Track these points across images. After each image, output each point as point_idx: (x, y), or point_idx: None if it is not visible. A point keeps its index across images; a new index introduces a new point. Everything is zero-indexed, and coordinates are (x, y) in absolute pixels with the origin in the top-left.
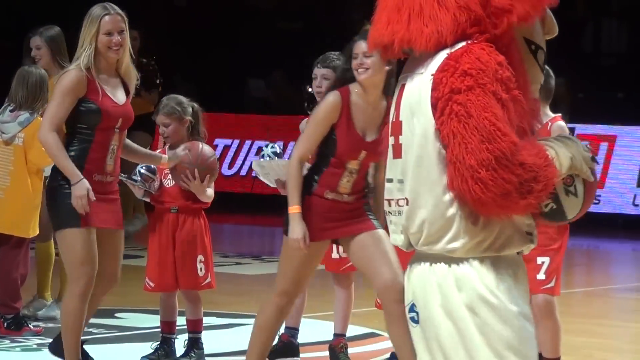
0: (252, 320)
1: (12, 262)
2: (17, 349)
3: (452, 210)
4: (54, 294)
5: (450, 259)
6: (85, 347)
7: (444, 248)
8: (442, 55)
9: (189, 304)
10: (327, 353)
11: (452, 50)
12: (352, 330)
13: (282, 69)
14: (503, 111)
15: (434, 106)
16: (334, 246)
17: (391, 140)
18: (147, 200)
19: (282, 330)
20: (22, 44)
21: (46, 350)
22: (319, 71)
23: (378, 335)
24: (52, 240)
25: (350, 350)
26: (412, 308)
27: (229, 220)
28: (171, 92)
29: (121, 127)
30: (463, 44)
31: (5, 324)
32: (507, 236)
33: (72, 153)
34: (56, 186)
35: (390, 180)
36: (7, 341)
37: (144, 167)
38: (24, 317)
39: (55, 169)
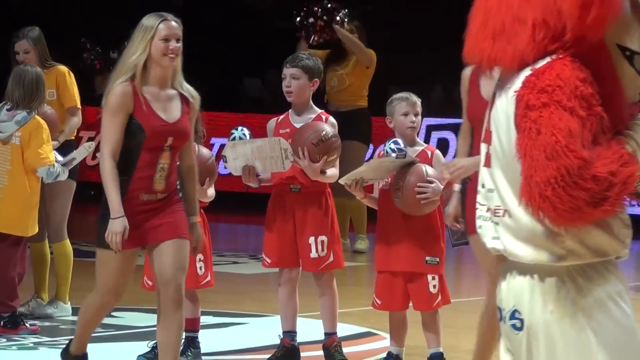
0: (248, 320)
1: (9, 261)
2: (14, 347)
3: (548, 224)
4: (51, 293)
5: (554, 266)
6: None
7: (543, 258)
8: (526, 72)
9: (188, 303)
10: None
11: (536, 66)
12: (348, 330)
13: (278, 68)
14: (581, 128)
15: (514, 122)
16: (312, 245)
17: (484, 147)
18: None
19: (281, 335)
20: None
21: (42, 349)
22: (288, 71)
23: (374, 334)
24: (46, 241)
25: (346, 350)
26: (514, 315)
27: (225, 219)
28: None
29: (173, 146)
30: (548, 59)
31: (2, 323)
32: (606, 244)
33: (119, 171)
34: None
35: (482, 186)
36: (4, 340)
37: None
38: (21, 316)
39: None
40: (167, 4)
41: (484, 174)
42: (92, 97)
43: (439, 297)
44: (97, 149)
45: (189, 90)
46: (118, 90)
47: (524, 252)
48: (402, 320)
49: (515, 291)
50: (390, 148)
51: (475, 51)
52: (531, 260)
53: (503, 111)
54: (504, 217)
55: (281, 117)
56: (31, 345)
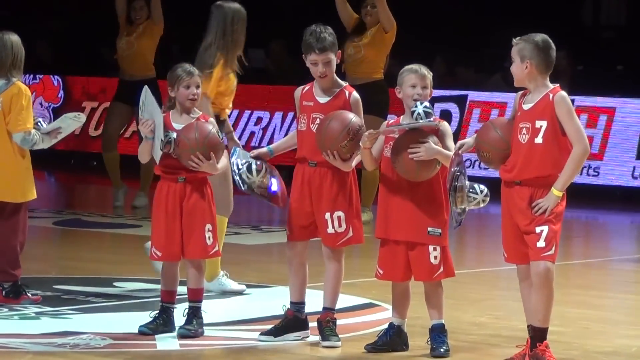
0: (250, 290)
1: (10, 228)
2: (15, 317)
3: None
4: None
5: None
6: (84, 315)
7: None
8: None
9: (194, 273)
10: None
11: None
12: (350, 301)
13: (281, 39)
14: None
15: None
16: (329, 221)
17: None
18: (148, 159)
19: (287, 305)
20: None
21: (44, 319)
22: (319, 57)
23: (376, 305)
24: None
25: (348, 320)
26: None
27: None
28: (171, 62)
29: None
30: None
31: (4, 292)
32: None
33: None
34: None
35: None
36: (5, 310)
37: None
38: (23, 286)
39: None
40: None
41: None
42: (97, 66)
43: (441, 269)
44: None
45: None
46: None
47: None
48: (404, 292)
49: None
50: (423, 111)
51: None
52: None
53: None
54: None
55: (307, 87)
56: (33, 315)
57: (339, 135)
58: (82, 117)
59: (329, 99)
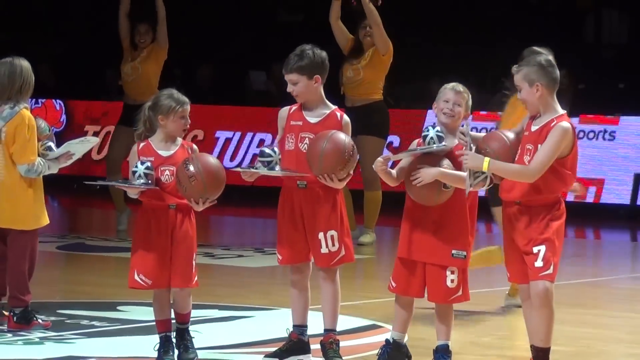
0: (253, 313)
1: (18, 254)
2: (19, 342)
3: None
4: None
5: None
6: (88, 339)
7: None
8: None
9: (184, 299)
10: None
11: None
12: (353, 322)
13: (283, 61)
14: None
15: None
16: (322, 241)
17: None
18: (135, 197)
19: (290, 328)
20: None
21: (48, 344)
22: (286, 77)
23: (380, 326)
24: None
25: (351, 342)
26: None
27: (230, 213)
28: (172, 85)
29: None
30: None
31: (15, 319)
32: None
33: None
34: None
35: None
36: (10, 335)
37: (144, 167)
38: (33, 312)
39: None
40: None
41: None
42: (99, 90)
43: (459, 292)
44: (102, 144)
45: None
46: None
47: None
48: (409, 304)
49: None
50: (436, 135)
51: None
52: None
53: None
54: None
55: (294, 107)
56: (37, 340)
57: (337, 160)
58: (92, 139)
59: (319, 119)
